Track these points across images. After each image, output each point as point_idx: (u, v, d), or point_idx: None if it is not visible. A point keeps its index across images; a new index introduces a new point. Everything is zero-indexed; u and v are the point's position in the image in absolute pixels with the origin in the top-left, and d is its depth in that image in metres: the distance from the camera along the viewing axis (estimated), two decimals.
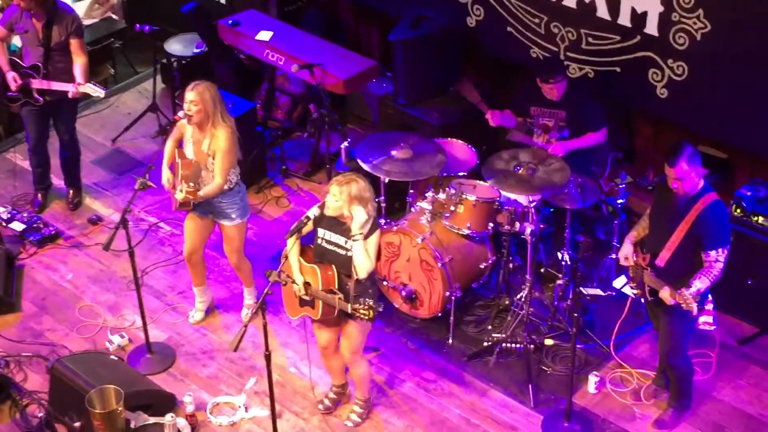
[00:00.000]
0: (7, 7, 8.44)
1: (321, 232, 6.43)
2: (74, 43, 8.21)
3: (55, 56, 8.21)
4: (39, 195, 8.94)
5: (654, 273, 6.39)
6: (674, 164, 6.15)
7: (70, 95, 8.17)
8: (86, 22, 10.32)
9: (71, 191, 8.94)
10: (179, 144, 7.22)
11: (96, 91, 8.12)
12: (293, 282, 6.42)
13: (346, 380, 7.15)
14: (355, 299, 6.29)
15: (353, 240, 6.24)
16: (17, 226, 8.59)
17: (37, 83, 8.21)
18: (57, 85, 8.17)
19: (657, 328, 6.88)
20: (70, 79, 8.18)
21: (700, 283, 6.20)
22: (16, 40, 8.67)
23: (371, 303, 6.22)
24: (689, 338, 6.66)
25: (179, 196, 6.97)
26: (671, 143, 6.58)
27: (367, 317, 6.19)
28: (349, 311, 6.27)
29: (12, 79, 8.21)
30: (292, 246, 6.45)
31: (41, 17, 8.13)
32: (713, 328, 6.41)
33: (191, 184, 6.97)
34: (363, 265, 6.27)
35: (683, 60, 7.64)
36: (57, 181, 9.03)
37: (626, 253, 6.57)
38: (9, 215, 8.69)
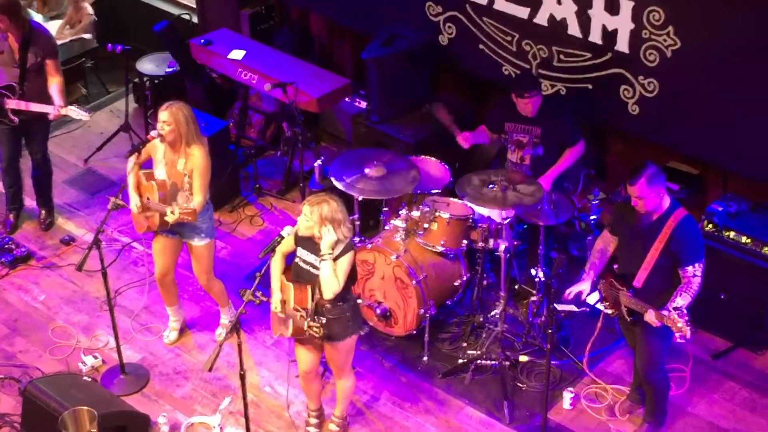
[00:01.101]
0: None
1: (299, 251, 6.42)
2: (50, 64, 8.19)
3: (30, 77, 8.17)
4: (11, 216, 8.88)
5: (631, 294, 6.42)
6: (635, 183, 6.23)
7: (51, 117, 8.14)
8: (57, 42, 10.30)
9: (43, 211, 8.89)
10: (142, 166, 7.17)
11: (80, 114, 8.03)
12: (267, 301, 6.40)
13: (321, 404, 7.13)
14: (312, 317, 6.28)
15: (322, 260, 6.22)
16: None
17: (13, 104, 8.16)
18: (36, 107, 8.11)
19: (632, 344, 6.90)
20: (45, 98, 8.14)
21: (681, 300, 6.24)
22: None
23: (323, 321, 6.24)
24: (666, 353, 6.69)
25: (170, 218, 6.87)
26: (643, 159, 6.63)
27: (317, 335, 6.22)
28: (305, 328, 6.27)
29: None
30: (276, 263, 6.44)
31: (18, 38, 8.10)
32: (689, 336, 6.39)
33: (185, 206, 6.93)
34: (328, 286, 6.24)
35: (654, 77, 7.69)
36: (29, 201, 8.98)
37: (577, 291, 6.63)
38: None
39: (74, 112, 8.05)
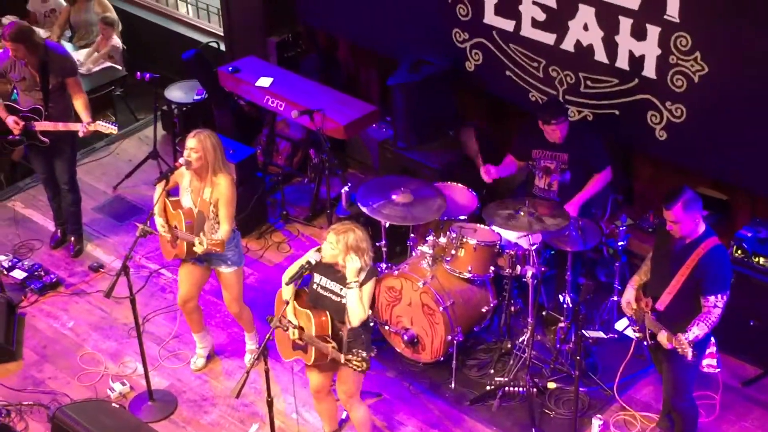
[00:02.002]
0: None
1: (317, 277, 6.41)
2: (71, 82, 8.25)
3: (54, 97, 8.25)
4: (59, 231, 8.98)
5: (654, 316, 6.38)
6: (670, 207, 6.18)
7: (80, 134, 8.20)
8: (83, 69, 10.47)
9: (73, 238, 8.94)
10: (169, 193, 7.21)
11: (108, 128, 8.13)
12: (294, 327, 6.39)
13: (338, 427, 7.10)
14: (349, 349, 6.26)
15: (348, 288, 6.21)
16: (18, 274, 8.60)
17: (40, 125, 8.23)
18: (65, 126, 8.20)
19: (660, 371, 6.85)
20: (70, 117, 8.22)
21: (698, 330, 6.19)
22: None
23: (364, 354, 6.19)
24: (693, 381, 6.64)
25: (198, 249, 6.91)
26: (671, 185, 6.60)
27: (359, 369, 6.16)
28: (342, 361, 6.24)
29: (14, 122, 8.24)
30: (288, 289, 6.44)
31: (35, 63, 8.17)
32: (717, 370, 6.40)
33: (212, 236, 6.96)
34: (356, 314, 6.24)
35: (681, 102, 7.67)
36: None
37: (628, 299, 6.57)
38: (10, 263, 8.70)
39: (102, 126, 8.13)
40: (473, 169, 8.26)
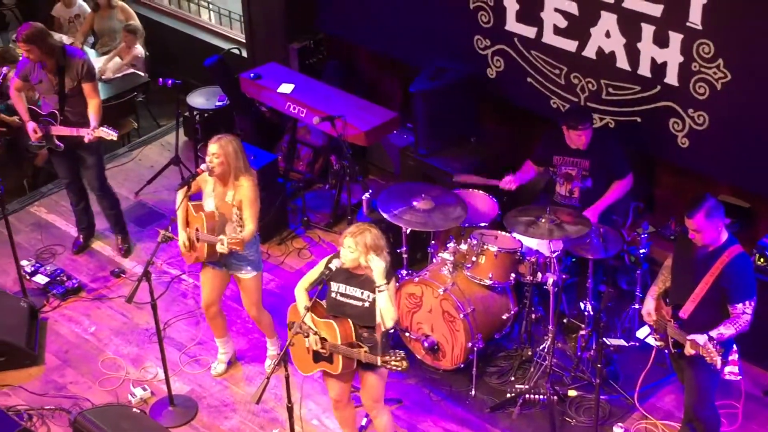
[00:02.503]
0: (21, 58, 8.54)
1: (335, 285, 6.39)
2: (87, 87, 8.25)
3: (71, 102, 8.27)
4: (81, 236, 9.03)
5: (677, 325, 6.35)
6: (693, 216, 6.14)
7: (86, 140, 8.21)
8: (103, 76, 10.53)
9: (118, 238, 9.00)
10: (191, 198, 7.23)
11: (109, 134, 8.15)
12: (315, 333, 6.37)
13: None
14: (384, 351, 6.25)
15: (379, 291, 6.19)
16: (41, 279, 8.64)
17: (55, 130, 8.28)
18: (74, 131, 8.23)
19: (682, 379, 6.82)
20: (87, 123, 8.24)
21: (724, 329, 6.16)
22: None
23: (402, 353, 6.16)
24: (716, 389, 6.60)
25: (221, 248, 6.92)
26: (693, 193, 6.57)
27: (400, 368, 6.12)
28: (379, 363, 6.22)
29: (33, 130, 8.29)
30: (302, 299, 6.43)
31: (52, 66, 8.20)
32: (739, 378, 6.36)
33: (233, 235, 6.97)
34: (390, 314, 6.22)
35: (704, 109, 7.64)
36: (102, 224, 9.11)
37: (648, 309, 6.55)
38: (33, 268, 8.74)
39: (104, 132, 8.15)
40: (495, 175, 8.24)
